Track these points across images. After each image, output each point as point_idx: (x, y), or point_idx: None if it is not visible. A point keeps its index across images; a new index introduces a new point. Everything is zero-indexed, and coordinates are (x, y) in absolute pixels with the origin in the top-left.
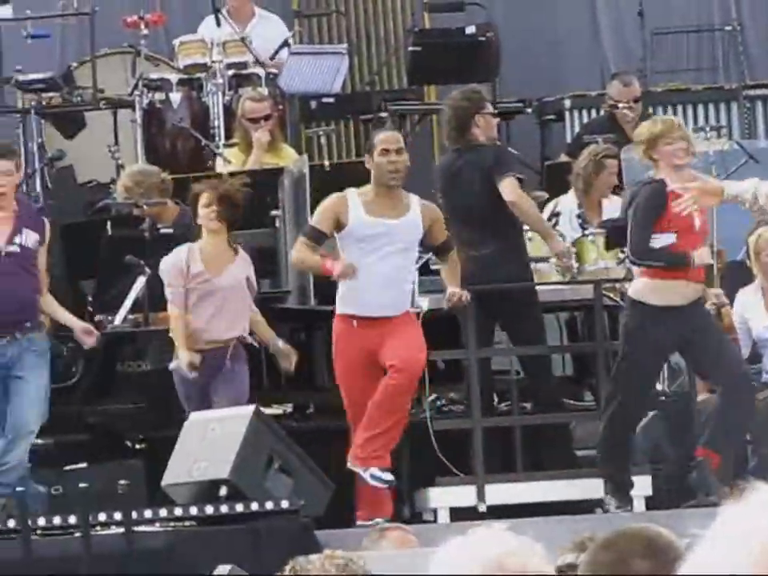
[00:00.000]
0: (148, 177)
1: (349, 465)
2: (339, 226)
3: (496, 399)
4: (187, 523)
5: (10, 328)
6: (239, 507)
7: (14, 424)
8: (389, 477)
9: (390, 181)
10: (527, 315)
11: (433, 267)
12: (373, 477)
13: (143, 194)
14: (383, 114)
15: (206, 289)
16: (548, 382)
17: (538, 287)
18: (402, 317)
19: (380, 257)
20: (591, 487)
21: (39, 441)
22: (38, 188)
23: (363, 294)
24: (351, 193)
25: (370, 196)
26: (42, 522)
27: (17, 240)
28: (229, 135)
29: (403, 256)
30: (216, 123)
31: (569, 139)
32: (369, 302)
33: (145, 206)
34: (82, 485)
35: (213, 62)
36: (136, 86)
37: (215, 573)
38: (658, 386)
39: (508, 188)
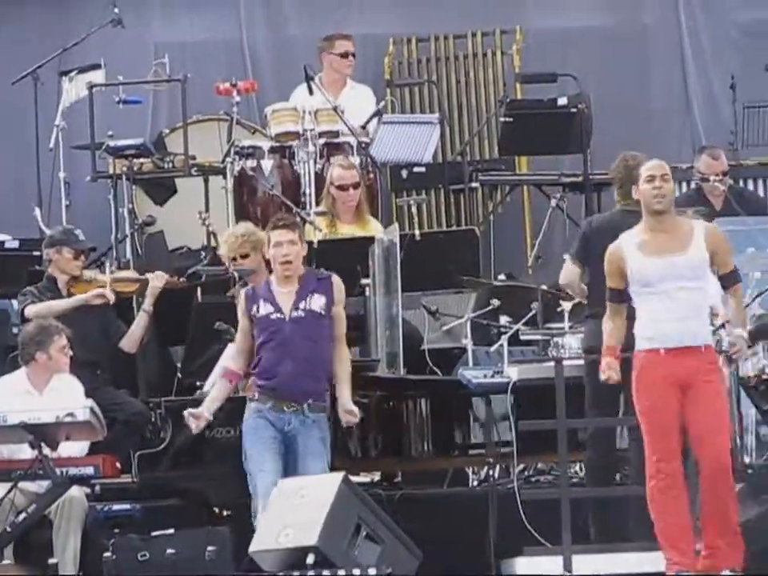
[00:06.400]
0: (251, 237)
1: None
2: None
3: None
4: None
5: (296, 397)
6: (326, 574)
7: None
8: None
9: (656, 205)
10: None
11: (522, 338)
12: None
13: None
14: (474, 185)
15: None
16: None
17: None
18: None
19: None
20: None
21: (126, 506)
22: (129, 254)
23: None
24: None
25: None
26: None
27: (301, 305)
28: (320, 203)
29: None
30: (307, 191)
31: None
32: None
33: (235, 273)
34: (169, 551)
35: (305, 130)
36: (228, 153)
37: None
38: (746, 459)
39: None
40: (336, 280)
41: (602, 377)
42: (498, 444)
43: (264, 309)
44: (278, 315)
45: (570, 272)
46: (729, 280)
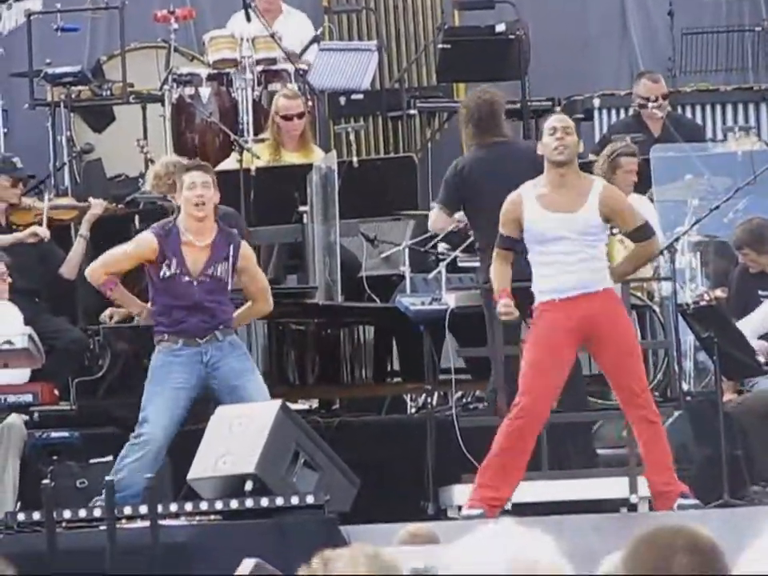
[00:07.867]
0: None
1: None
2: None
3: None
4: (212, 517)
5: (206, 334)
6: (264, 502)
7: None
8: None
9: (557, 156)
10: None
11: (460, 265)
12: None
13: (172, 185)
14: (412, 112)
15: None
16: (579, 380)
17: None
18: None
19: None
20: (616, 486)
21: (65, 434)
22: (67, 181)
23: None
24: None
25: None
26: (67, 514)
27: (209, 271)
28: (257, 130)
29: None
30: (245, 118)
31: (597, 138)
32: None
33: (173, 201)
34: (107, 478)
35: (242, 57)
36: (166, 81)
37: (240, 567)
38: (684, 386)
39: None
40: (243, 251)
41: (502, 318)
42: (436, 371)
43: (173, 268)
44: (186, 278)
45: (441, 220)
46: (637, 236)
